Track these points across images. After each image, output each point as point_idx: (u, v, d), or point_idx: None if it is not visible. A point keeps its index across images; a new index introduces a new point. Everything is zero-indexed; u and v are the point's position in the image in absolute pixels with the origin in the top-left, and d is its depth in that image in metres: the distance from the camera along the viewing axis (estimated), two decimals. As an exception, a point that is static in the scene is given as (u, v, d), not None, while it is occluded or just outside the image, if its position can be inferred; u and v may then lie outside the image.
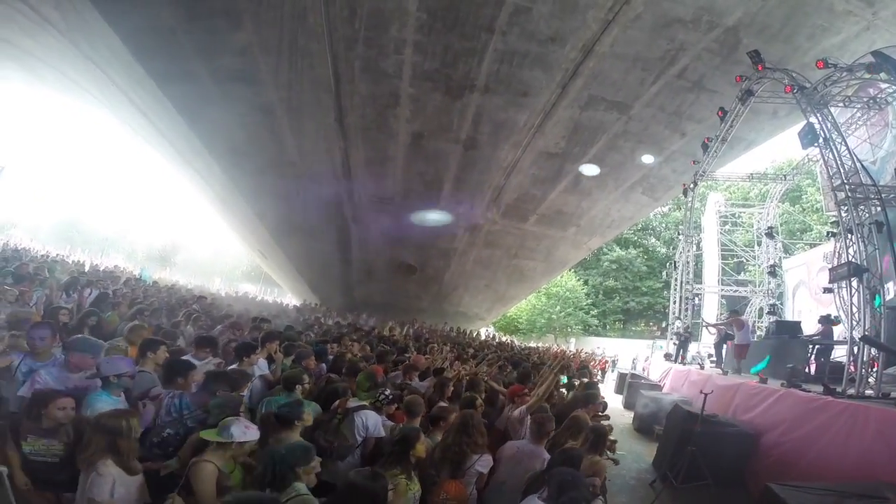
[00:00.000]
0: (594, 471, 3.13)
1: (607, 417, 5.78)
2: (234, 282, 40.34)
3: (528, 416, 3.89)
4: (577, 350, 23.09)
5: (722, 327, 12.81)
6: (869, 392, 5.85)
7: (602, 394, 8.83)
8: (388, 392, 4.10)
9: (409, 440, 2.83)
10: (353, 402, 3.76)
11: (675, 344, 13.86)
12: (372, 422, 3.56)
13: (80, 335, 3.43)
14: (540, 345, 24.29)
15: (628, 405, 11.86)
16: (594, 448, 3.44)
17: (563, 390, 6.07)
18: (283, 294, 30.01)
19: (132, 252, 47.41)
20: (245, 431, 2.55)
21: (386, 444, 2.94)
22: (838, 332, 9.46)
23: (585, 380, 7.58)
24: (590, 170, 14.26)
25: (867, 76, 7.58)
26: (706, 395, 6.28)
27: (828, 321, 9.43)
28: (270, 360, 4.95)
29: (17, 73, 16.58)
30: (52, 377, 3.02)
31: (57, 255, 18.90)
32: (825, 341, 9.10)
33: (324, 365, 5.31)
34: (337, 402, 3.72)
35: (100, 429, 2.40)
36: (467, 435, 3.11)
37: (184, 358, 3.79)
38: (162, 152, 18.97)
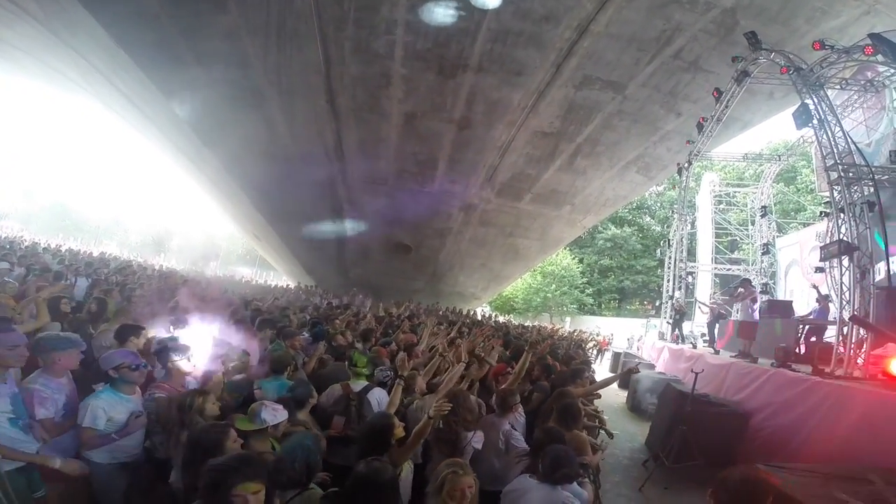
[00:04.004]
0: (575, 446, 3.12)
1: (598, 396, 5.79)
2: (229, 265, 40.28)
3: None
4: (571, 330, 23.28)
5: (714, 306, 12.92)
6: (857, 373, 5.92)
7: (595, 372, 8.96)
8: (388, 371, 4.13)
9: (384, 431, 2.71)
10: (353, 384, 3.80)
11: (668, 322, 13.97)
12: (385, 399, 3.59)
13: (48, 333, 3.02)
14: (536, 324, 24.45)
15: (623, 384, 11.88)
16: (563, 423, 3.34)
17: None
18: (279, 276, 29.97)
19: (126, 239, 47.13)
20: (275, 414, 2.69)
21: (363, 434, 2.83)
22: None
23: (575, 359, 7.61)
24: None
25: (864, 58, 7.52)
26: (696, 374, 6.35)
27: (826, 298, 9.39)
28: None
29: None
30: (48, 388, 2.70)
31: (48, 244, 18.71)
32: (817, 321, 9.18)
33: (322, 343, 5.32)
34: (340, 387, 3.72)
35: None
36: (455, 414, 3.07)
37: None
38: (150, 137, 18.62)
